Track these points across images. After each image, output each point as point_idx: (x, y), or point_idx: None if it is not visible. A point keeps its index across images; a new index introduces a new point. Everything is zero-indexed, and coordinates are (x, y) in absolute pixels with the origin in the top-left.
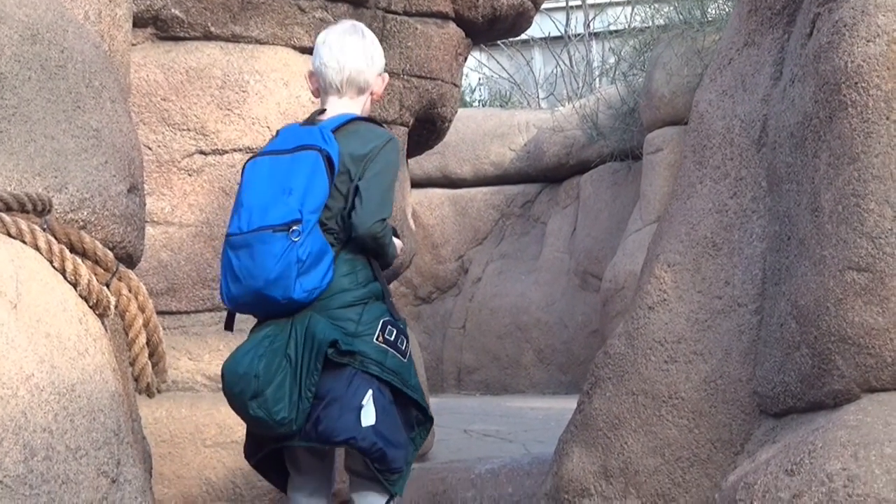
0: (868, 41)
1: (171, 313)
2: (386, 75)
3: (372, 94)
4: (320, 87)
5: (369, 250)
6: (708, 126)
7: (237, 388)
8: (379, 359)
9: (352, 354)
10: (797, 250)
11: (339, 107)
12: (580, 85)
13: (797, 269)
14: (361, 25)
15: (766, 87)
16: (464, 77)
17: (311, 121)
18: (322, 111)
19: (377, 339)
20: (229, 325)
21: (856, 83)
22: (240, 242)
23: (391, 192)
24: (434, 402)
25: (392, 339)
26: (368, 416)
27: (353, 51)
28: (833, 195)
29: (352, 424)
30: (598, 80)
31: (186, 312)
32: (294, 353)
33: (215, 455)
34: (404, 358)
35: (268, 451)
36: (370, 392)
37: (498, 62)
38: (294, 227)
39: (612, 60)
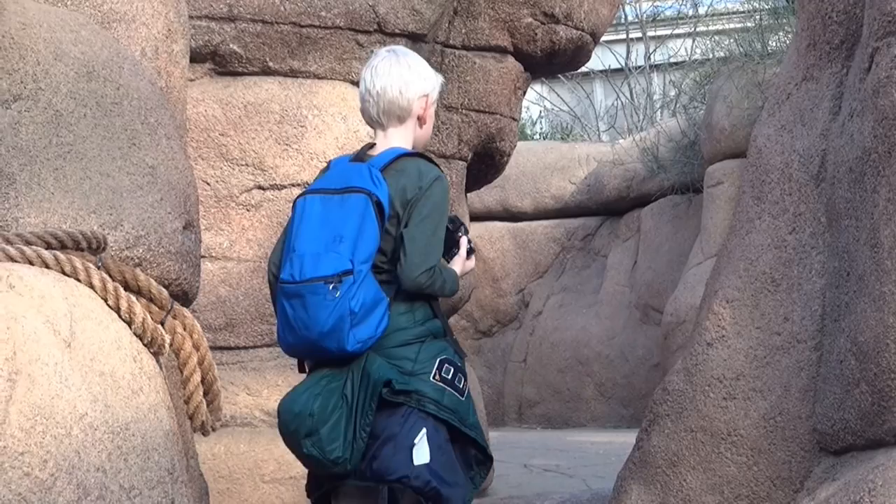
0: None
1: (229, 349)
2: (431, 96)
3: (419, 119)
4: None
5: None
6: (766, 161)
7: (292, 426)
8: (436, 397)
9: (407, 393)
10: (856, 286)
11: (388, 140)
12: (641, 118)
13: (856, 306)
14: (401, 49)
15: (825, 121)
16: (525, 110)
17: (361, 156)
18: (371, 145)
19: (434, 378)
20: (302, 368)
21: None
22: (293, 291)
23: (437, 235)
24: (494, 436)
25: (449, 377)
26: (421, 455)
27: (385, 79)
28: (892, 231)
29: (405, 463)
30: (658, 112)
31: (245, 348)
32: (350, 392)
33: (274, 491)
34: (462, 396)
35: (326, 489)
36: (424, 430)
37: (559, 95)
38: (345, 279)
39: (672, 93)
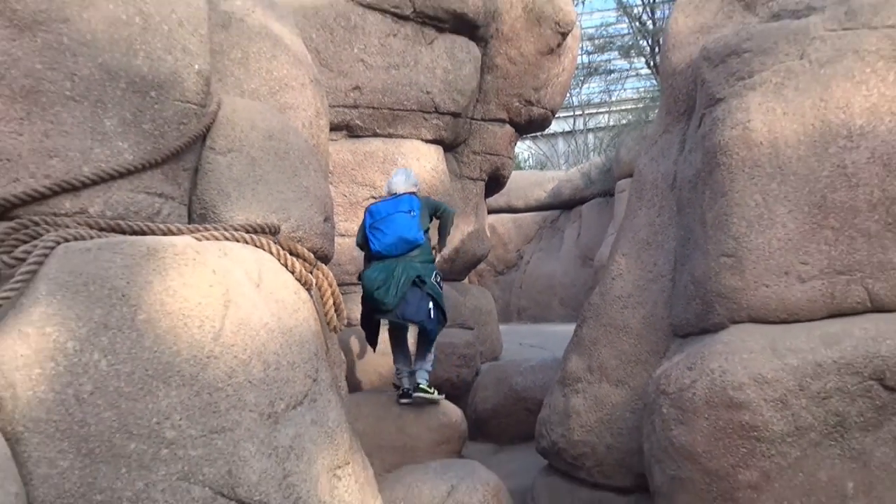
0: (731, 128)
1: (355, 284)
2: (417, 189)
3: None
4: (389, 191)
5: (444, 234)
6: (644, 178)
7: (374, 285)
8: (434, 290)
9: (424, 283)
10: (693, 245)
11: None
12: (582, 157)
13: (693, 256)
14: (409, 169)
15: (676, 154)
16: (519, 153)
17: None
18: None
19: (434, 279)
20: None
21: (725, 152)
22: (385, 211)
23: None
24: (503, 329)
25: (439, 281)
26: (430, 312)
27: (401, 177)
28: (713, 215)
29: (424, 315)
30: (591, 153)
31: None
32: (397, 275)
33: (378, 361)
34: (441, 290)
35: (375, 319)
36: (431, 303)
37: (538, 146)
38: (413, 215)
39: (600, 143)
